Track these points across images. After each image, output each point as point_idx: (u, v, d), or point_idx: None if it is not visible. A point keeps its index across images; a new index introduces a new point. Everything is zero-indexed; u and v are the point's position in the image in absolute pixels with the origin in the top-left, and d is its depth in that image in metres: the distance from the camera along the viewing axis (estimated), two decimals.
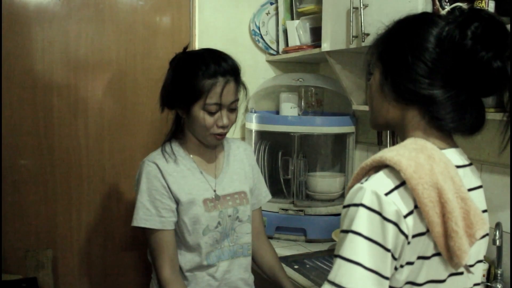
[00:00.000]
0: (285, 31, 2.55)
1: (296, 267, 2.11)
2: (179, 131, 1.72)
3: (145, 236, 1.67)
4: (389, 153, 0.96)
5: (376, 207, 0.92)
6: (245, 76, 2.69)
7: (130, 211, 2.47)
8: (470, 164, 1.10)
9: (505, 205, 1.79)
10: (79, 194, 2.38)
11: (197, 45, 2.53)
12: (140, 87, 2.47)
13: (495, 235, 1.68)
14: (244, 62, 2.61)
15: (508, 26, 1.18)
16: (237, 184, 1.74)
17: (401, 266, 0.94)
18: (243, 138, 2.64)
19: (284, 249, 2.26)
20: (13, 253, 2.21)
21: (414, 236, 0.93)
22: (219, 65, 1.60)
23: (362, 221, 0.92)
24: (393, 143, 2.08)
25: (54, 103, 2.31)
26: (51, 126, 2.31)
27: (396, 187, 0.94)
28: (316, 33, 2.35)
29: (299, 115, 2.51)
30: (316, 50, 2.28)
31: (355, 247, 0.91)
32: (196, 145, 1.69)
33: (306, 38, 2.42)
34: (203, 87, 1.56)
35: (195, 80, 1.57)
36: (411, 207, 0.93)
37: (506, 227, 1.76)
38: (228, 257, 1.70)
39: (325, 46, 2.17)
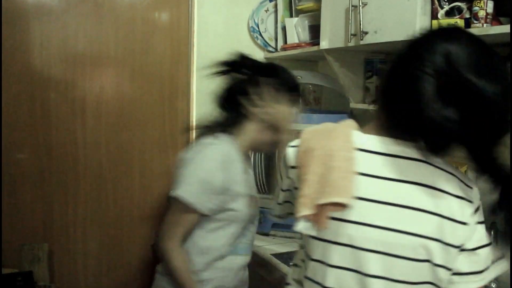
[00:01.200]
0: (284, 29, 2.55)
1: (291, 263, 2.11)
2: (233, 127, 1.72)
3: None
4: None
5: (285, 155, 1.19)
6: None
7: (126, 206, 2.48)
8: (407, 158, 1.07)
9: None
10: (75, 189, 2.38)
11: (196, 41, 2.53)
12: (138, 83, 2.46)
13: (490, 235, 1.68)
14: None
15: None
16: (254, 187, 1.83)
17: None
18: None
19: (280, 246, 2.26)
20: (9, 246, 2.21)
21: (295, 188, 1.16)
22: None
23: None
24: None
25: (52, 98, 2.30)
26: (48, 121, 2.31)
27: (296, 146, 1.16)
28: (314, 31, 2.35)
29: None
30: (315, 48, 2.28)
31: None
32: (247, 146, 1.72)
33: (305, 36, 2.42)
34: None
35: None
36: (295, 163, 1.15)
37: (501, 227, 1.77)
38: (246, 253, 1.76)
39: (324, 44, 2.17)
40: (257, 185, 2.47)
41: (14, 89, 2.23)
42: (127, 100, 2.46)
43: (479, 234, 1.10)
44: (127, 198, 2.50)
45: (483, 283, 1.10)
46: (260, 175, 2.46)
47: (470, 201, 1.08)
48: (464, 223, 1.06)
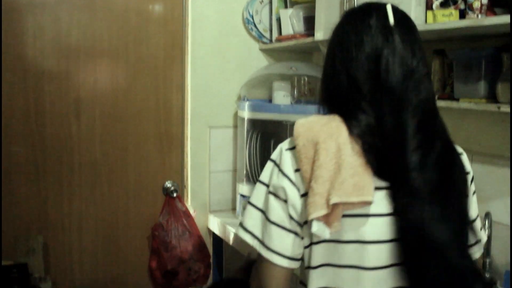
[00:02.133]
0: (279, 20, 2.54)
1: None
2: None
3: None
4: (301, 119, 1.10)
5: (277, 159, 1.10)
6: (238, 65, 2.71)
7: (121, 199, 2.48)
8: None
9: (495, 196, 1.81)
10: (70, 182, 2.38)
11: (190, 33, 2.52)
12: (132, 76, 2.45)
13: (484, 224, 1.70)
14: (237, 50, 2.65)
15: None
16: None
17: (305, 223, 1.06)
18: (235, 127, 2.64)
19: None
20: (4, 238, 2.21)
21: (302, 195, 1.06)
22: None
23: (266, 171, 1.12)
24: None
25: (46, 90, 2.29)
26: (42, 113, 2.29)
27: (293, 147, 1.08)
28: (309, 22, 2.34)
29: (291, 103, 2.51)
30: (309, 39, 2.27)
31: (256, 193, 1.12)
32: None
33: (300, 27, 2.42)
34: None
35: None
36: (299, 166, 1.06)
37: (495, 217, 1.78)
38: None
39: (318, 35, 2.17)
40: (252, 175, 2.48)
41: (6, 81, 2.21)
42: (121, 93, 2.45)
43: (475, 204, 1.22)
44: (122, 191, 2.49)
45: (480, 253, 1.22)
46: (255, 165, 2.47)
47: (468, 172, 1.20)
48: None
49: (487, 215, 1.72)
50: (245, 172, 2.52)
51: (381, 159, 1.01)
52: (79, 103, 2.37)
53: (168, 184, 2.56)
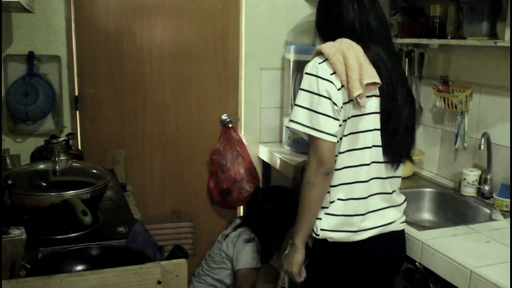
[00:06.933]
0: None
1: None
2: None
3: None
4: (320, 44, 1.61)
5: (313, 71, 1.54)
6: (285, 14, 3.01)
7: (185, 128, 2.94)
8: None
9: (497, 121, 2.14)
10: (143, 112, 2.88)
11: None
12: (195, 26, 2.88)
13: (480, 141, 2.04)
14: (284, 1, 2.95)
15: None
16: None
17: (344, 104, 1.56)
18: (282, 69, 3.01)
19: None
20: (95, 151, 2.74)
21: (339, 89, 1.53)
22: None
23: (304, 82, 1.56)
24: None
25: (124, 41, 2.77)
26: (121, 59, 2.78)
27: (324, 61, 1.55)
28: None
29: None
30: None
31: (299, 97, 1.56)
32: None
33: None
34: None
35: None
36: (333, 71, 1.54)
37: (496, 139, 2.11)
38: None
39: None
40: None
41: (94, 41, 2.73)
42: (185, 41, 2.88)
43: None
44: (186, 121, 2.96)
45: None
46: None
47: None
48: None
49: (484, 134, 2.05)
50: (290, 108, 2.89)
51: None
52: (151, 50, 2.83)
53: (224, 116, 2.99)
